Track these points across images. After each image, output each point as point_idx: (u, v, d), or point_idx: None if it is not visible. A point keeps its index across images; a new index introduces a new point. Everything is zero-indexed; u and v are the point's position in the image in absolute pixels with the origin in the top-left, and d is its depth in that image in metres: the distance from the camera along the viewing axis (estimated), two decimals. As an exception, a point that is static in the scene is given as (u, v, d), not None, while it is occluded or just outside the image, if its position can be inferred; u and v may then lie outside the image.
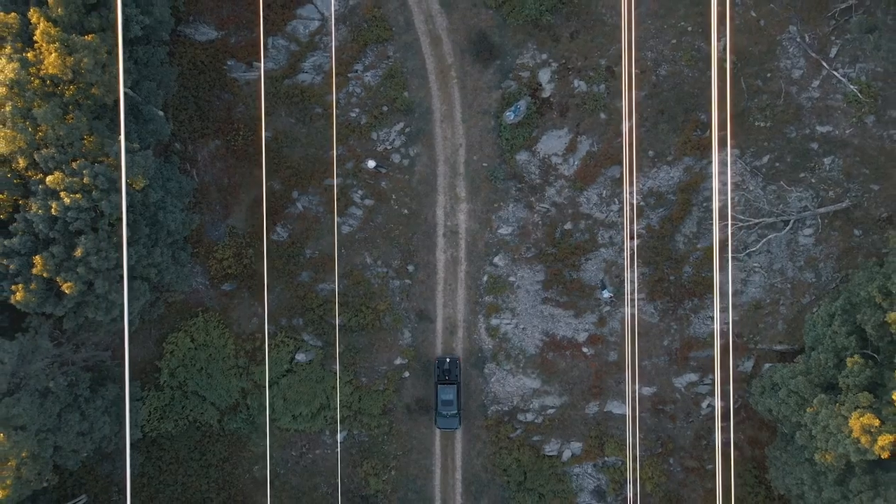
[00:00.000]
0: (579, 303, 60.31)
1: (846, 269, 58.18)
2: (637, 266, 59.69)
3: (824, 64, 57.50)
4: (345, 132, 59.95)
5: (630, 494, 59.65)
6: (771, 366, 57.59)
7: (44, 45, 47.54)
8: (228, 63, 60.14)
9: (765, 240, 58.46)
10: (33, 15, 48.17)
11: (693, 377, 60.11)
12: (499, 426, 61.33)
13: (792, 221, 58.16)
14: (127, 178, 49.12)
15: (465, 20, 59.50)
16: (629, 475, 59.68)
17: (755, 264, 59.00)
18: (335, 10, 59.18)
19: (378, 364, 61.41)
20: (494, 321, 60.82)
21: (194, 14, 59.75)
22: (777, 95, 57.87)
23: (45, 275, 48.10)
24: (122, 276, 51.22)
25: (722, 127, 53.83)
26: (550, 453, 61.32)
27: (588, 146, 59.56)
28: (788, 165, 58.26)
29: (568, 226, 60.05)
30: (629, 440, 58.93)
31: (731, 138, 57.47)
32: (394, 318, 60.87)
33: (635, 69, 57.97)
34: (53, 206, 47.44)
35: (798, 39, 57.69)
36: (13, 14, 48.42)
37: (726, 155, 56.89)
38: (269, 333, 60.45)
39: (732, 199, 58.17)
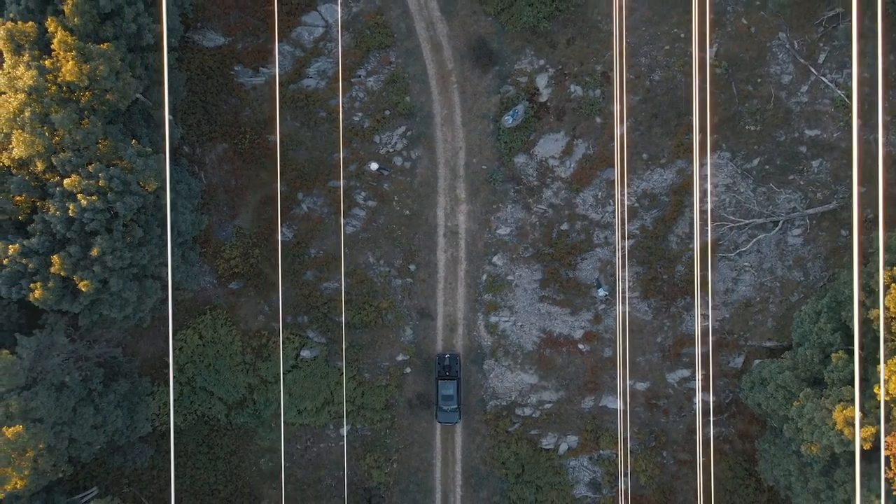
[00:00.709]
0: (575, 301, 61.15)
1: (833, 269, 58.93)
2: (631, 265, 60.52)
3: (812, 70, 58.26)
4: (348, 135, 60.41)
5: (622, 486, 60.64)
6: (760, 362, 58.12)
7: (61, 53, 48.41)
8: (235, 68, 60.63)
9: (755, 240, 59.35)
10: (51, 24, 49.05)
11: (685, 373, 60.89)
12: (497, 420, 62.03)
13: (781, 222, 59.01)
14: (139, 180, 50.41)
15: (465, 27, 60.03)
16: (621, 467, 60.61)
17: (746, 263, 59.82)
18: (339, 17, 59.87)
19: (380, 360, 62.14)
20: (493, 319, 61.66)
21: (202, 21, 60.15)
22: (767, 100, 58.60)
23: (62, 273, 49.10)
24: (135, 275, 52.63)
25: (702, 130, 54.59)
26: (547, 447, 62.00)
27: (584, 149, 60.28)
28: (778, 168, 59.10)
29: (564, 226, 60.87)
30: (621, 433, 59.81)
31: (711, 144, 58.28)
32: (396, 315, 61.62)
33: (630, 74, 58.71)
34: (70, 207, 48.43)
35: (787, 46, 58.41)
36: (31, 23, 49.21)
37: (715, 157, 57.73)
38: (277, 330, 61.23)
39: (714, 200, 58.73)
